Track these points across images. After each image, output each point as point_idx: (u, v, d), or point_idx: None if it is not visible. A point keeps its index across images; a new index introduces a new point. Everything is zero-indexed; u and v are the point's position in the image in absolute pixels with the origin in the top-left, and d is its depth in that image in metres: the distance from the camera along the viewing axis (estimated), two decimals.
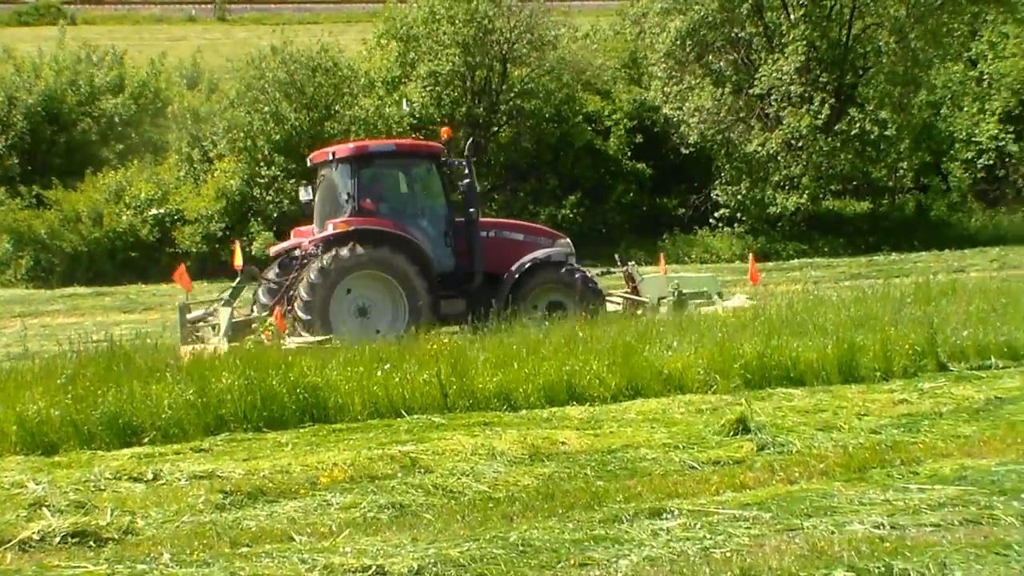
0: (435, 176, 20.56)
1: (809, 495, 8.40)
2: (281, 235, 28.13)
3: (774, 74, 37.34)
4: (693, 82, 39.15)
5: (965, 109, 42.89)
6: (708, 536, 7.50)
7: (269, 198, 36.05)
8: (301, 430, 11.76)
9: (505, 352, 14.11)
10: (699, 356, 13.76)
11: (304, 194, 20.61)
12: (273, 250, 21.73)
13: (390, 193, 20.58)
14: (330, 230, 19.40)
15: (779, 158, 37.61)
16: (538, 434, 10.76)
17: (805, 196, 37.46)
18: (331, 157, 20.16)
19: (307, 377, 12.64)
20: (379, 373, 12.99)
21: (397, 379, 12.88)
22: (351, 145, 21.84)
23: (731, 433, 10.63)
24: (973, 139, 42.23)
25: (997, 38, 44.00)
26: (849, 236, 37.93)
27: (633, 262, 22.94)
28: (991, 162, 41.83)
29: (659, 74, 40.15)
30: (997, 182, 42.41)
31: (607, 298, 20.90)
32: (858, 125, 37.34)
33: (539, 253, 20.30)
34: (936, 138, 42.75)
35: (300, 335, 18.18)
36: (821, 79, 37.94)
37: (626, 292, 21.52)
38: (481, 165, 32.70)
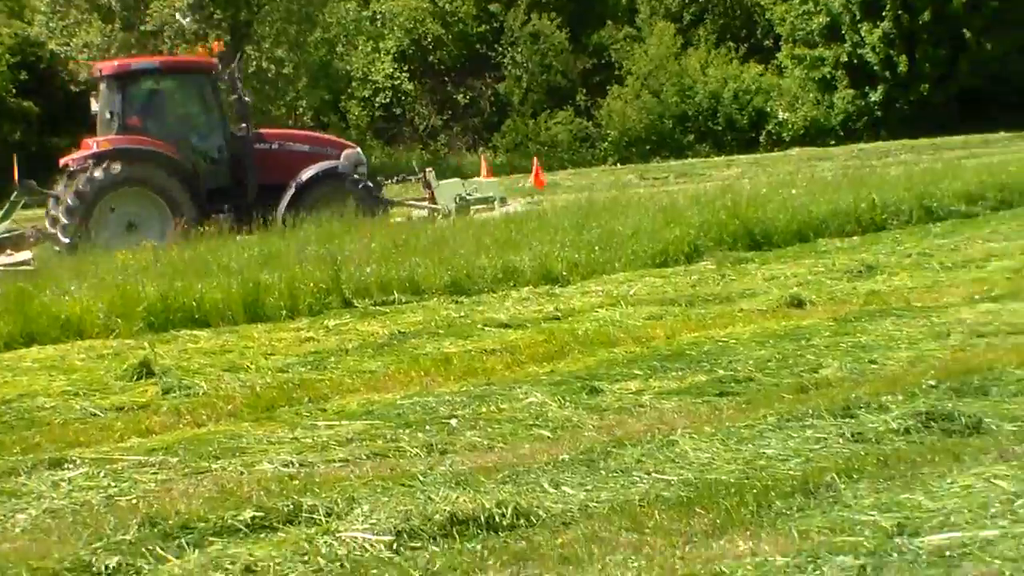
0: (206, 91, 20.98)
1: (217, 437, 8.24)
2: None
3: (166, 10, 36.59)
4: (80, 17, 37.73)
5: (360, 47, 43.83)
6: (113, 484, 7.25)
7: None
8: None
9: None
10: (99, 300, 13.22)
11: (94, 105, 20.70)
12: (62, 161, 21.15)
13: (157, 110, 20.80)
14: (94, 148, 19.84)
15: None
16: None
17: None
18: (98, 74, 20.74)
19: None
20: None
21: None
22: (115, 63, 21.63)
23: (135, 378, 10.28)
24: (369, 77, 43.24)
25: None
26: None
27: (430, 168, 23.06)
28: (388, 100, 43.01)
29: (43, 8, 38.47)
30: (394, 120, 43.65)
31: (409, 205, 22.32)
32: (255, 63, 37.26)
33: (323, 164, 20.79)
34: (333, 76, 43.47)
35: None
36: (215, 16, 37.54)
37: (422, 199, 22.32)
38: None
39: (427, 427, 8.25)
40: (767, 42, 49.21)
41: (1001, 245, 15.38)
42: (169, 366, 10.70)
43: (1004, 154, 29.84)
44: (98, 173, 19.37)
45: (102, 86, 20.73)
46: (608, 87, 45.61)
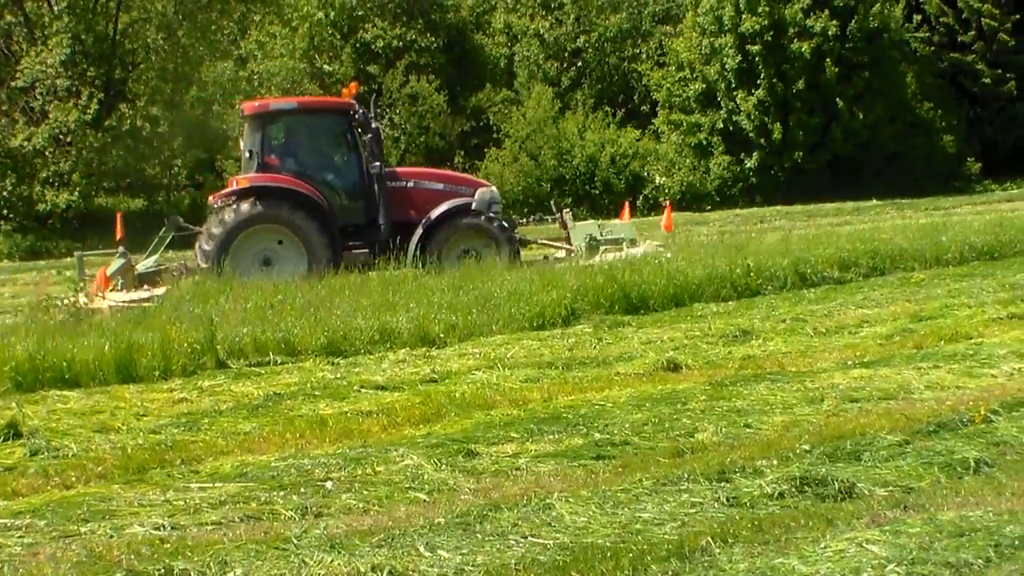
0: (342, 131, 21.46)
1: (87, 499, 8.07)
2: None
3: (37, 66, 36.13)
4: None
5: (236, 107, 43.59)
6: None
7: None
8: None
9: None
10: None
11: (242, 144, 21.63)
12: (211, 199, 21.85)
13: (293, 149, 21.51)
14: (234, 186, 20.68)
15: (47, 154, 36.47)
16: None
17: (76, 193, 36.49)
18: (241, 114, 21.53)
19: None
20: None
21: None
22: (256, 103, 22.62)
23: (2, 439, 10.02)
24: None
25: (266, 38, 45.17)
26: (125, 233, 37.22)
27: (568, 209, 23.41)
28: None
29: None
30: None
31: (544, 244, 22.87)
32: (129, 121, 36.88)
33: (455, 201, 21.16)
34: (210, 135, 43.16)
35: (129, 292, 19.08)
36: (89, 73, 37.12)
37: (558, 240, 22.83)
38: None
39: (302, 489, 8.17)
40: (644, 107, 49.86)
41: (873, 311, 15.64)
42: (37, 427, 10.43)
43: (875, 221, 30.50)
44: (236, 210, 20.13)
45: (245, 126, 21.51)
46: (486, 149, 45.84)
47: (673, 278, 17.54)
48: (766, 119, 43.28)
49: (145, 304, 17.87)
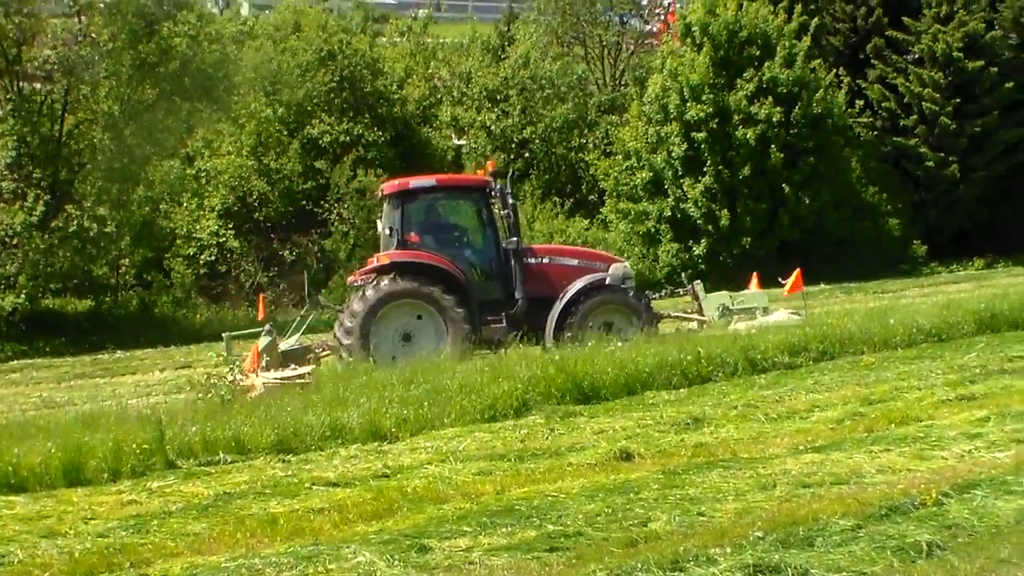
0: (479, 207, 22.09)
1: None
2: None
3: None
4: None
5: (184, 205, 43.58)
6: None
7: None
8: None
9: None
10: None
11: (380, 224, 22.42)
12: (349, 278, 23.02)
13: (433, 226, 22.19)
14: (375, 263, 21.34)
15: None
16: None
17: (23, 296, 36.16)
18: (380, 193, 22.31)
19: None
20: None
21: None
22: (396, 182, 22.79)
23: None
24: (194, 235, 42.91)
25: (213, 135, 45.20)
26: (72, 335, 37.01)
27: (699, 281, 23.79)
28: (213, 257, 42.67)
29: None
30: (220, 277, 43.23)
31: (677, 317, 23.27)
32: (76, 222, 36.65)
33: (590, 277, 21.75)
34: (158, 235, 43.04)
35: (276, 370, 19.22)
36: (35, 175, 36.95)
37: (690, 311, 23.26)
38: None
39: None
40: (592, 196, 50.02)
41: (824, 396, 15.68)
42: None
43: (824, 305, 30.64)
44: (377, 287, 20.72)
45: (384, 205, 22.09)
46: None
47: (624, 367, 17.54)
48: (713, 206, 43.54)
49: (299, 381, 18.38)
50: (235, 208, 43.91)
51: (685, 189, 43.97)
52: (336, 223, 44.53)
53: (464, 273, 21.43)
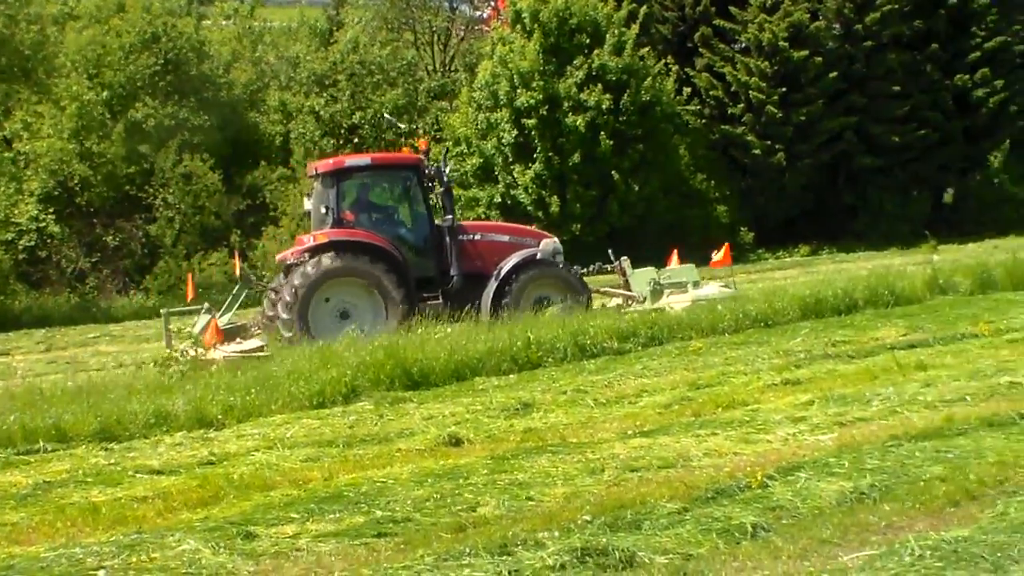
0: (412, 186, 22.29)
1: None
2: None
3: None
4: None
5: (2, 189, 42.37)
6: None
7: None
8: None
9: None
10: None
11: (306, 203, 22.65)
12: (279, 257, 23.04)
13: (368, 204, 22.40)
14: (310, 242, 21.37)
15: None
16: None
17: None
18: (314, 172, 22.26)
19: None
20: None
21: None
22: (330, 160, 23.16)
23: None
24: (12, 220, 41.74)
25: (32, 117, 44.03)
26: None
27: (626, 257, 23.98)
28: (33, 243, 41.58)
29: None
30: (40, 263, 42.16)
31: (602, 293, 23.66)
32: None
33: (523, 252, 22.21)
34: None
35: (232, 344, 20.00)
36: None
37: (617, 287, 23.57)
38: None
39: None
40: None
41: (652, 380, 15.83)
42: None
43: None
44: (314, 266, 20.75)
45: (316, 184, 22.23)
46: (263, 228, 45.34)
47: (455, 352, 17.53)
48: (543, 192, 43.78)
49: (258, 355, 18.79)
50: (56, 192, 42.82)
51: (515, 175, 44.14)
52: (161, 208, 43.76)
53: (400, 251, 21.68)
